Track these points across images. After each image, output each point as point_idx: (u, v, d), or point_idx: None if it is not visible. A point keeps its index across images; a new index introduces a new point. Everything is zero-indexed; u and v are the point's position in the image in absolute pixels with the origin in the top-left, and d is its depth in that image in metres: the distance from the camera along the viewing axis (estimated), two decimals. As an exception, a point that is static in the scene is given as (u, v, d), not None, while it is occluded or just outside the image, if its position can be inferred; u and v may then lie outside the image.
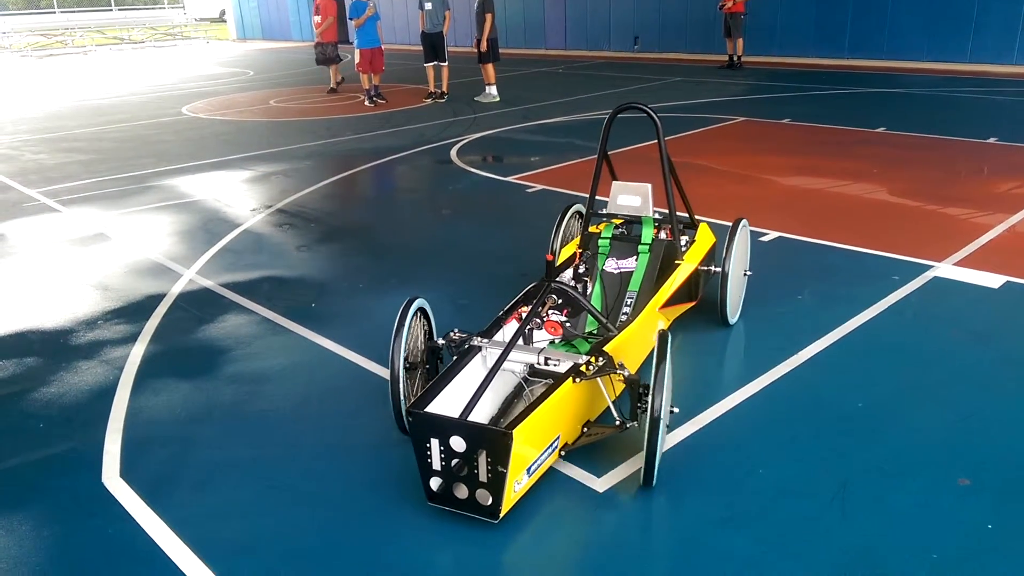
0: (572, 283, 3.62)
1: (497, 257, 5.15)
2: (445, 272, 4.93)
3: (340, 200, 6.98)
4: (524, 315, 3.21)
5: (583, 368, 2.76)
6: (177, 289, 4.75)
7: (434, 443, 2.50)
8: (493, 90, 12.03)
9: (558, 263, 3.90)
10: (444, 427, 2.48)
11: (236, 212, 6.45)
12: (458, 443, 2.45)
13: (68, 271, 5.20)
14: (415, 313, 3.04)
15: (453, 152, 8.45)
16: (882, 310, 4.04)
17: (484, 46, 11.66)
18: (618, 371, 2.78)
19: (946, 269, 4.55)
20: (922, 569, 2.30)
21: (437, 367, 3.15)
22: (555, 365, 2.91)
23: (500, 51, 12.21)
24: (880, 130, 8.76)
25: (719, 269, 3.77)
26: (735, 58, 14.98)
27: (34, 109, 13.49)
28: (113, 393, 3.51)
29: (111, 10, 43.92)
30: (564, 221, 4.29)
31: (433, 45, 12.01)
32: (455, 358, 2.97)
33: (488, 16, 11.59)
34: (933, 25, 13.96)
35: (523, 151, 8.51)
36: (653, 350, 2.61)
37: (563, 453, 2.77)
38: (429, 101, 12.16)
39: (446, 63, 12.13)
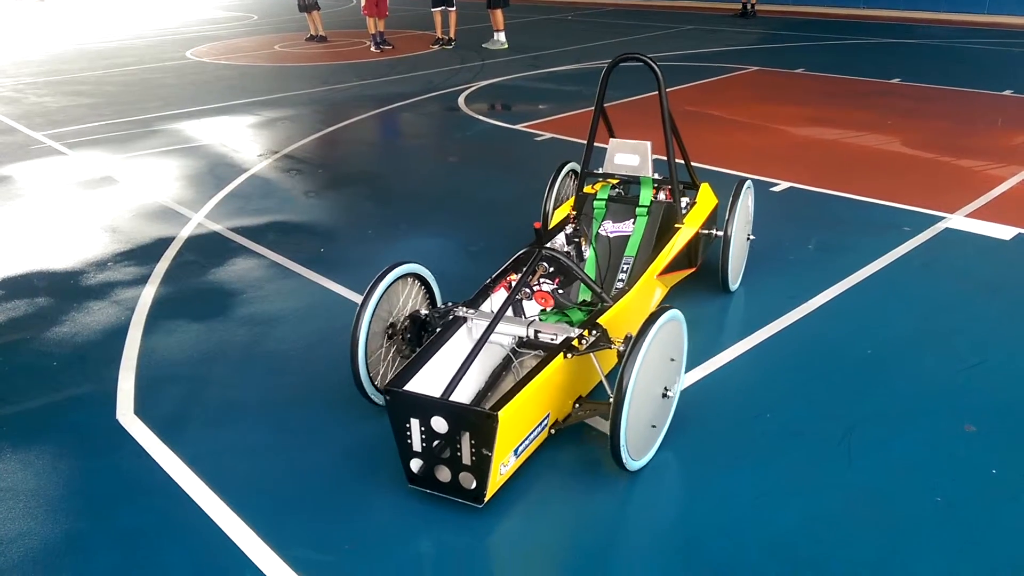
0: (565, 249, 3.45)
1: (506, 205, 5.12)
2: (455, 219, 4.91)
3: (347, 146, 6.92)
4: (513, 284, 2.99)
5: (575, 343, 2.58)
6: (186, 233, 4.75)
7: (414, 423, 2.34)
8: (502, 37, 11.81)
9: (551, 226, 3.67)
10: (425, 407, 2.31)
11: (243, 157, 6.41)
12: (440, 424, 2.30)
13: (76, 213, 5.19)
14: (400, 279, 2.85)
15: (461, 99, 8.34)
16: (893, 260, 4.03)
17: (494, -10, 11.42)
18: (612, 345, 2.60)
19: (958, 220, 4.52)
20: (926, 511, 2.34)
21: (420, 337, 2.90)
22: (549, 337, 2.70)
23: (509, -4, 11.98)
24: (895, 81, 8.61)
25: (720, 233, 3.57)
26: (749, 6, 14.66)
27: (36, 52, 13.32)
28: (125, 333, 3.54)
29: (111, -48, 42.93)
30: (558, 180, 4.05)
31: (441, -11, 11.78)
32: (439, 330, 2.77)
33: (498, -40, 11.33)
34: (953, -26, 13.63)
35: (532, 99, 8.40)
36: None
37: (553, 431, 2.61)
38: (436, 47, 11.97)
39: (454, 8, 11.89)
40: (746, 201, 3.70)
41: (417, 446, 2.37)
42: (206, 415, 2.94)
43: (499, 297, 3.00)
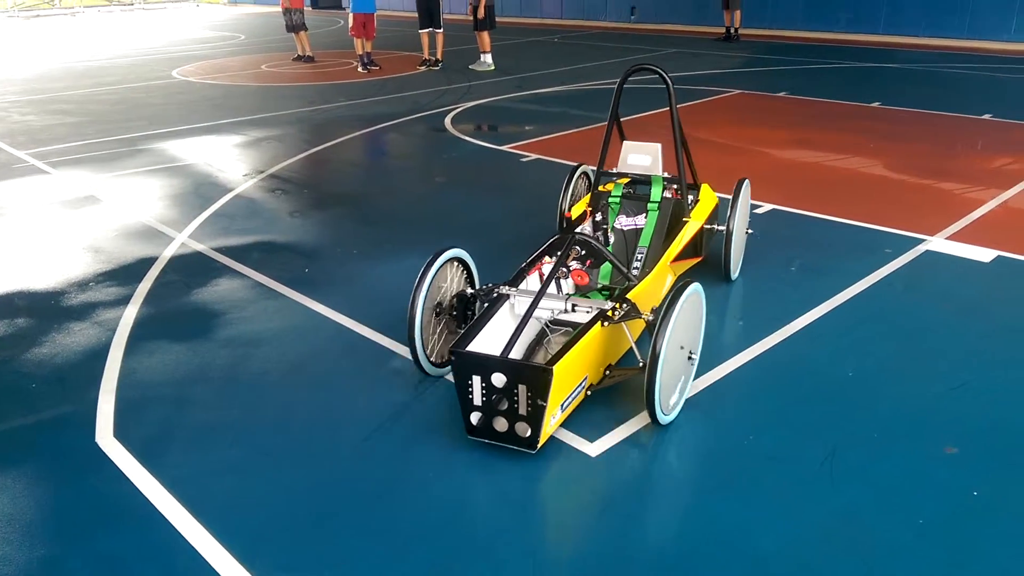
0: (593, 235, 3.80)
1: (492, 225, 5.13)
2: (440, 239, 4.86)
3: (333, 166, 6.93)
4: (547, 266, 3.37)
5: (609, 313, 2.90)
6: (169, 253, 4.72)
7: (476, 380, 2.65)
8: (488, 58, 11.90)
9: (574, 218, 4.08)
10: (486, 365, 2.63)
11: (228, 177, 6.40)
12: (499, 379, 2.61)
13: (59, 233, 5.16)
14: (446, 262, 3.20)
15: (447, 120, 8.38)
16: (874, 282, 4.06)
17: (482, 12, 11.50)
18: (642, 316, 2.95)
19: (938, 243, 4.57)
20: (908, 534, 2.34)
21: (466, 315, 3.26)
22: (584, 311, 3.04)
23: (496, 19, 12.06)
24: (875, 104, 8.74)
25: (723, 228, 3.94)
26: (732, 30, 14.85)
27: (22, 70, 13.27)
28: (106, 354, 3.51)
29: (99, -29, 42.90)
30: (572, 182, 4.40)
31: (429, 11, 11.84)
32: (486, 306, 3.11)
33: (485, -18, 11.43)
34: (930, 0, 13.88)
35: (518, 120, 8.45)
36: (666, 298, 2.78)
37: (589, 392, 2.90)
38: (423, 68, 12.03)
39: (441, 30, 11.98)
40: (745, 198, 4.09)
41: (478, 400, 2.68)
42: (186, 437, 2.91)
43: (535, 278, 3.36)
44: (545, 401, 2.58)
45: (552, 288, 3.28)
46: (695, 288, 2.88)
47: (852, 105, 8.78)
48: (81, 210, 5.60)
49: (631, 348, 3.04)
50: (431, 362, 3.12)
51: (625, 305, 2.95)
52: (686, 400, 3.01)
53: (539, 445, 2.65)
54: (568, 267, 3.32)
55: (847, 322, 3.67)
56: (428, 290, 3.04)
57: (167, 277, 4.37)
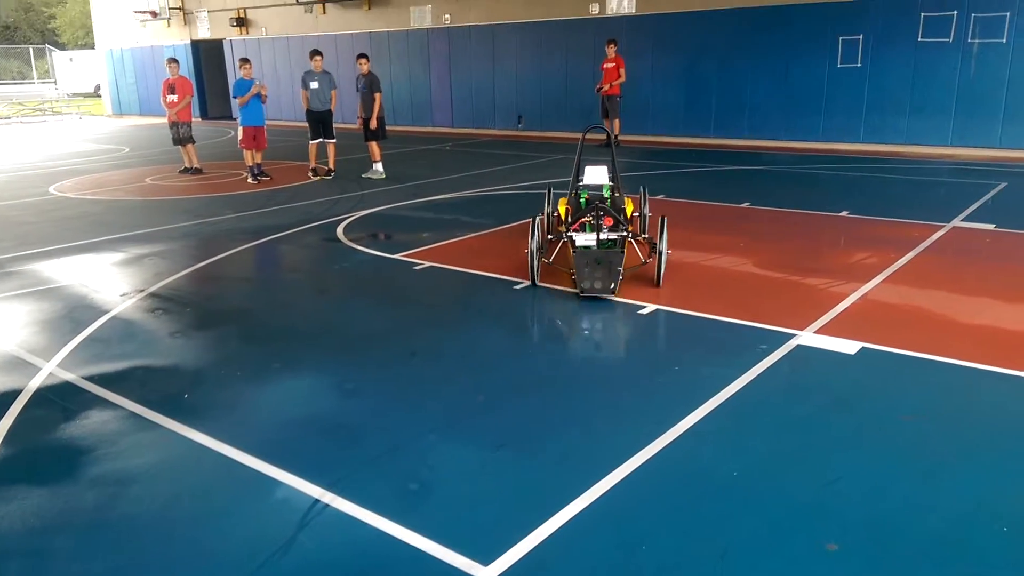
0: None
1: (385, 337, 5.09)
2: (331, 356, 4.83)
3: (219, 282, 6.75)
4: (583, 223, 6.12)
5: (627, 236, 6.02)
6: (35, 384, 4.41)
7: (584, 263, 5.58)
8: (379, 167, 12.11)
9: (561, 213, 6.53)
10: (590, 255, 5.70)
11: (104, 298, 6.12)
12: (600, 261, 5.60)
13: (-92, 368, 4.74)
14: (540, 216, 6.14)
15: (339, 230, 8.38)
16: (752, 378, 4.24)
17: (374, 124, 11.78)
18: (644, 237, 6.48)
19: (808, 337, 4.84)
20: (797, 637, 2.38)
21: (543, 249, 6.07)
22: (613, 236, 5.99)
23: (387, 128, 12.38)
24: (745, 205, 9.36)
25: (644, 212, 7.39)
26: (613, 137, 15.73)
27: None
28: (-46, 505, 3.19)
29: (-27, 83, 41.52)
30: (548, 197, 7.54)
31: (322, 122, 12.04)
32: (562, 240, 6.17)
33: (377, 96, 11.76)
34: (788, 106, 15.22)
35: (411, 228, 8.55)
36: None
37: (620, 277, 5.62)
38: (316, 178, 12.09)
39: (334, 140, 12.15)
40: (646, 196, 7.63)
41: (587, 274, 5.51)
42: (44, 596, 2.65)
43: (578, 229, 6.13)
44: (621, 267, 5.60)
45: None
46: (665, 220, 5.93)
47: (724, 206, 9.38)
48: (-64, 341, 5.19)
49: (637, 255, 6.27)
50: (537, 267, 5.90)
51: (630, 235, 6.11)
52: (579, 512, 3.02)
53: (615, 292, 5.48)
54: (599, 216, 6.04)
55: (729, 420, 3.80)
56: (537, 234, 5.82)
57: (30, 412, 4.07)
